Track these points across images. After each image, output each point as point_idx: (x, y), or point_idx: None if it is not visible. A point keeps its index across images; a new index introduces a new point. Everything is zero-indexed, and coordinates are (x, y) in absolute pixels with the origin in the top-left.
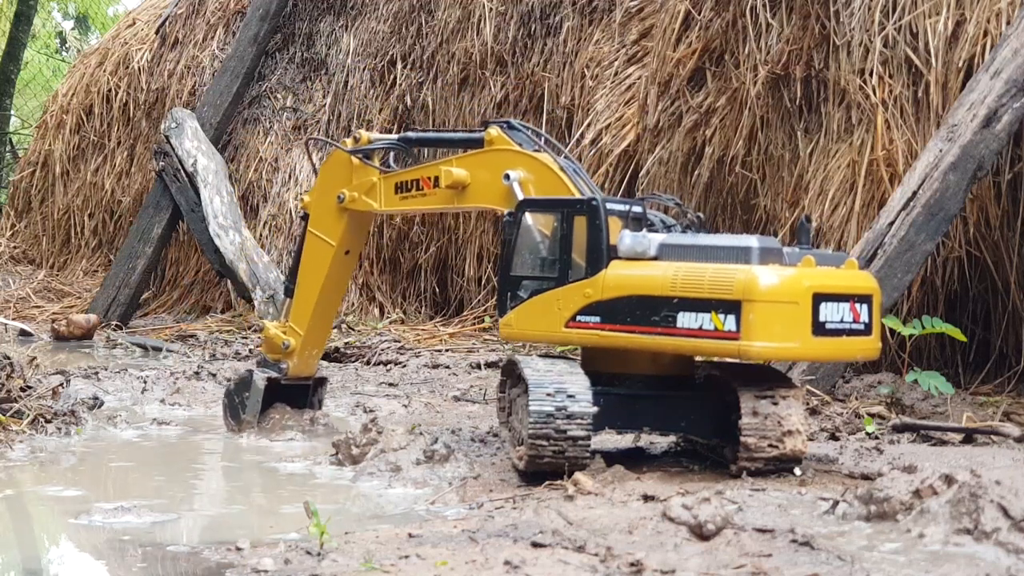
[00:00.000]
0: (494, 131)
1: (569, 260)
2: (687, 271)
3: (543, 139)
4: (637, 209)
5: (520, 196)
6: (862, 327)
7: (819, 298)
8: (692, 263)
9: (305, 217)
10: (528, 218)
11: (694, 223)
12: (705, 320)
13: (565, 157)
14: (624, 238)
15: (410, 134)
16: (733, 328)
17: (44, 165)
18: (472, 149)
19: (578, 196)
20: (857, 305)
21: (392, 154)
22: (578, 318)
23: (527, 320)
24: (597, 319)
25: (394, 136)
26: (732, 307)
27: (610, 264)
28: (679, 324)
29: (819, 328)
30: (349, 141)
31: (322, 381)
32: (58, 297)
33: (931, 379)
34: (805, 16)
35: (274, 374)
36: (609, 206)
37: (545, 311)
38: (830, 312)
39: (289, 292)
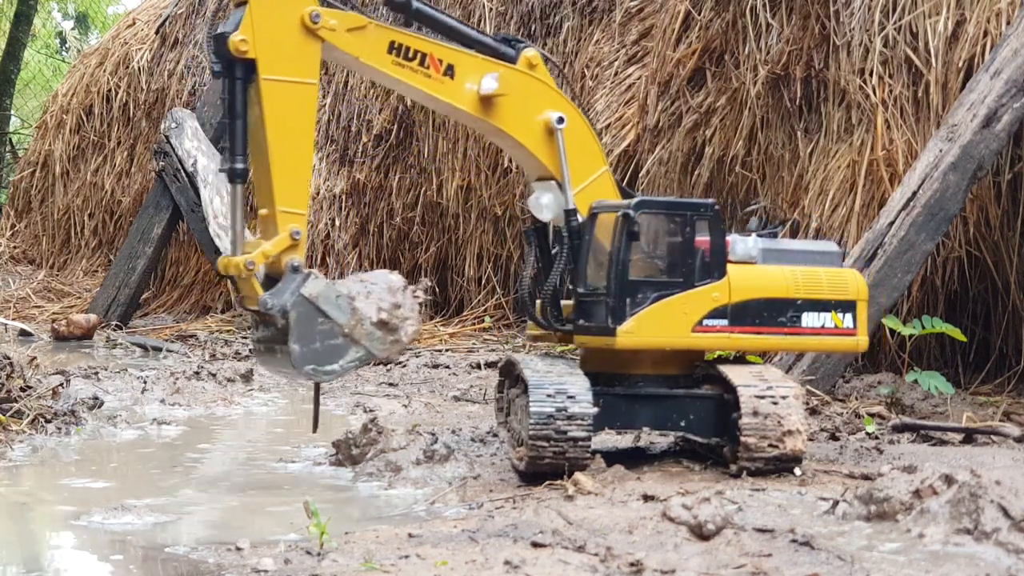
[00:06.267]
0: (534, 54)
1: (694, 264)
2: (805, 274)
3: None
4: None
5: (563, 149)
6: None
7: None
8: (802, 266)
9: (246, 67)
10: (642, 221)
11: (779, 227)
12: (827, 319)
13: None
14: (737, 243)
15: (414, 2)
16: (851, 325)
17: (44, 165)
18: (489, 56)
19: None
20: None
21: None
22: (705, 322)
23: (651, 326)
24: (725, 322)
25: None
26: (849, 306)
27: (728, 268)
28: (803, 324)
29: None
30: None
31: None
32: (58, 297)
33: (931, 379)
34: (805, 16)
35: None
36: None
37: (671, 316)
38: None
39: (240, 175)
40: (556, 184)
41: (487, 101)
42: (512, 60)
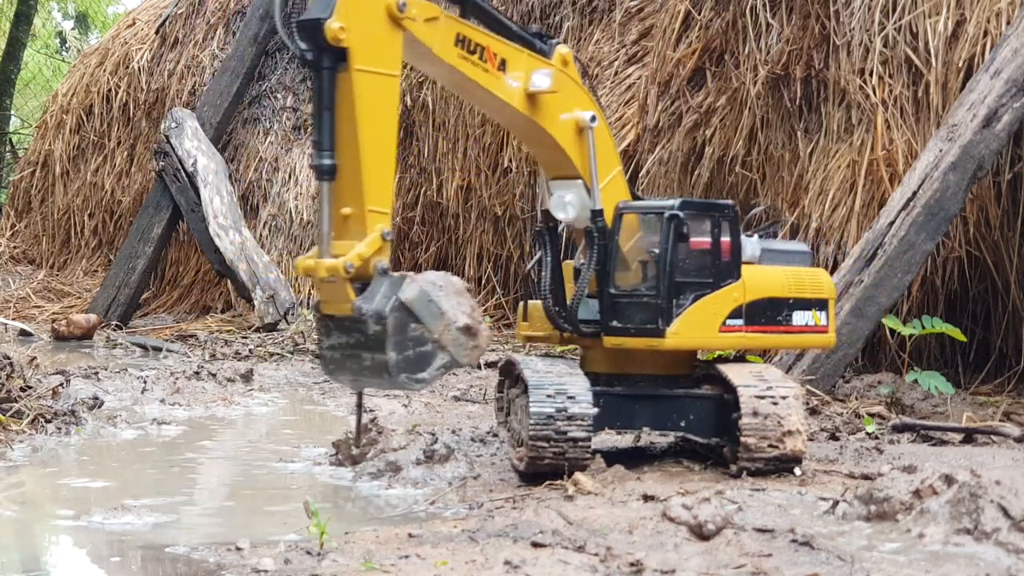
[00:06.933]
0: (567, 52)
1: (721, 264)
2: (792, 274)
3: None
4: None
5: (593, 149)
6: None
7: None
8: (788, 267)
9: (335, 56)
10: (689, 221)
11: (772, 226)
12: (809, 317)
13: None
14: (747, 244)
15: None
16: (825, 323)
17: (44, 165)
18: (524, 47)
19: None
20: None
21: None
22: (727, 322)
23: (691, 327)
24: (741, 322)
25: None
26: (823, 305)
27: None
28: (794, 322)
29: None
30: None
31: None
32: (58, 297)
33: (931, 379)
34: (805, 16)
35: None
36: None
37: (705, 317)
38: None
39: (328, 172)
40: (582, 183)
41: (531, 98)
42: (546, 56)
